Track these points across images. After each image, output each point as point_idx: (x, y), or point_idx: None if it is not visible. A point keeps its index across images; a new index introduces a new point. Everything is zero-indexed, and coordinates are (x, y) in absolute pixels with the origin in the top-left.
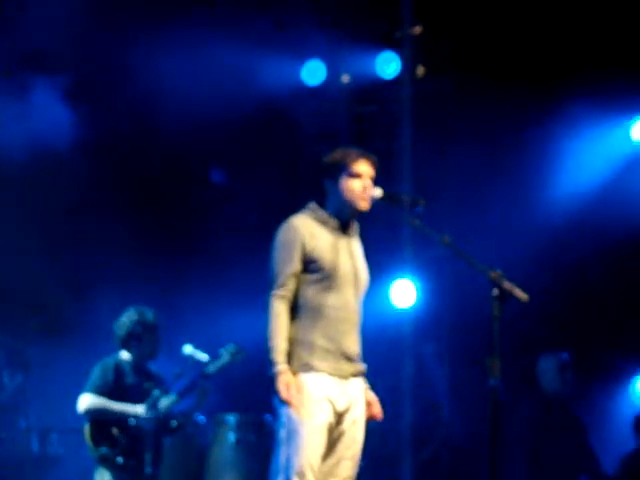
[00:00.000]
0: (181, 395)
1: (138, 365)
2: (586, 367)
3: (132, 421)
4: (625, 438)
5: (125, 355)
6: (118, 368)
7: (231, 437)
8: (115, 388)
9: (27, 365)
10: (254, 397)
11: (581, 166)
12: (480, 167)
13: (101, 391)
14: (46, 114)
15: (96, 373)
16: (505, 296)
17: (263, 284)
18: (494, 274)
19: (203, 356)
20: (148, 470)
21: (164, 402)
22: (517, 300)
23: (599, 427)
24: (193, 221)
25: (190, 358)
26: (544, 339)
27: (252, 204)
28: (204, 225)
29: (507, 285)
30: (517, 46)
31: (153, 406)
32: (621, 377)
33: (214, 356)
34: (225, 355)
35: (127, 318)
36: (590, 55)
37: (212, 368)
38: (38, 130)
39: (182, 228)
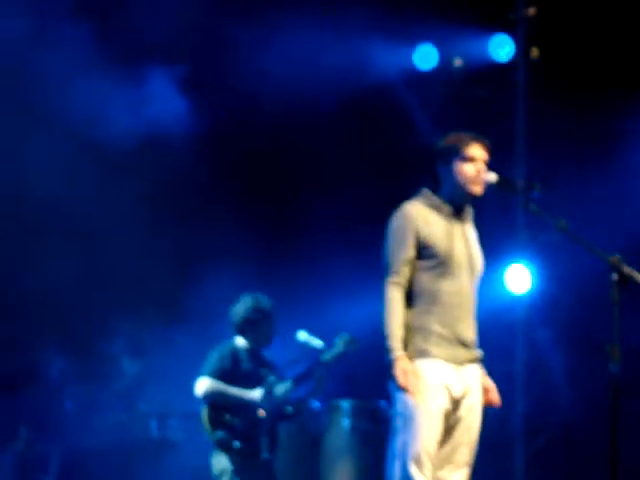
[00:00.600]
0: (296, 382)
1: (253, 351)
2: None
3: (249, 406)
4: None
5: (241, 341)
6: (235, 354)
7: (346, 423)
8: (232, 373)
9: (145, 351)
10: (369, 384)
11: None
12: (593, 152)
13: (219, 375)
14: (161, 103)
15: (214, 357)
16: (625, 281)
17: (377, 271)
18: (613, 259)
19: (318, 342)
20: (265, 455)
21: (280, 388)
22: (637, 285)
23: None
24: (305, 206)
25: (305, 344)
26: None
27: (365, 189)
28: (316, 210)
29: (627, 270)
30: (632, 25)
31: (269, 392)
32: None
33: (329, 345)
34: (339, 344)
35: (243, 305)
36: None
37: (327, 356)
38: (153, 118)
39: (294, 213)
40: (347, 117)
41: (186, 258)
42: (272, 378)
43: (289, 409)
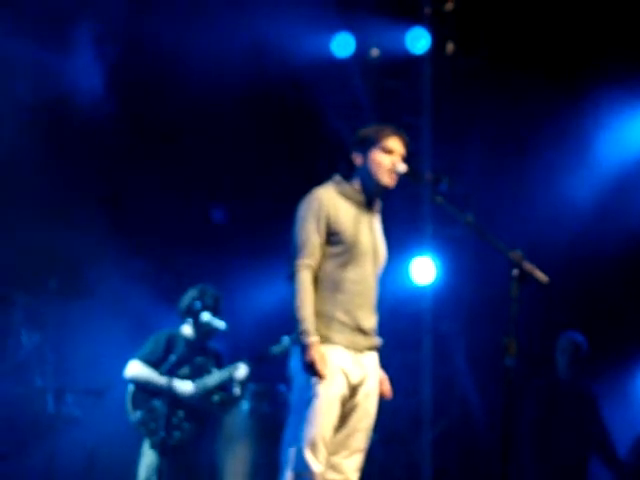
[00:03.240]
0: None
1: (195, 340)
2: (600, 352)
3: (172, 393)
4: (635, 423)
5: (187, 330)
6: (170, 340)
7: (245, 406)
8: (164, 359)
9: (45, 324)
10: (269, 367)
11: (607, 151)
12: (503, 148)
13: (149, 360)
14: (78, 76)
15: (149, 342)
16: (525, 277)
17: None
18: (515, 255)
19: (220, 324)
20: (177, 436)
21: (207, 379)
22: (537, 282)
23: (611, 413)
24: (209, 189)
25: (207, 325)
26: (560, 321)
27: (273, 175)
28: (220, 194)
29: (527, 266)
30: (549, 28)
31: (197, 382)
32: (634, 364)
33: (275, 341)
34: (287, 341)
35: (189, 295)
36: (623, 41)
37: (275, 351)
38: (66, 86)
39: (199, 194)
40: (261, 101)
41: (92, 233)
42: (205, 367)
43: (216, 398)
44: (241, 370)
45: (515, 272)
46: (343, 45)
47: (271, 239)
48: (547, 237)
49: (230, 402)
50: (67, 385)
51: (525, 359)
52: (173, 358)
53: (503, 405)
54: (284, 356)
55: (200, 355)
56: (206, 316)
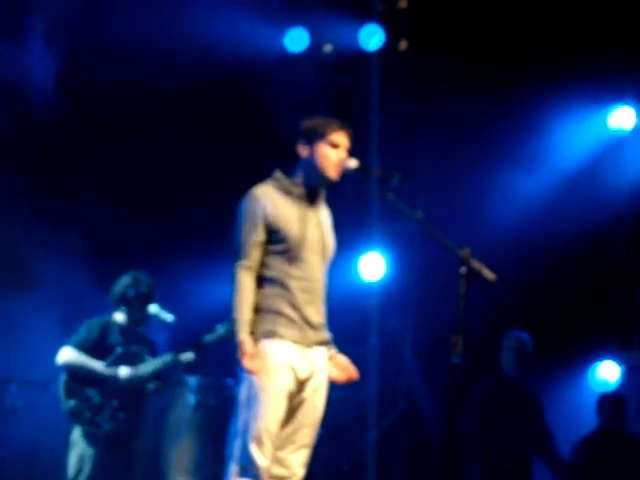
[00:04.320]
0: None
1: (128, 327)
2: (546, 353)
3: (106, 380)
4: (583, 425)
5: (119, 317)
6: (105, 327)
7: (191, 399)
8: (98, 346)
9: None
10: (217, 361)
11: (558, 151)
12: (454, 147)
13: (82, 346)
14: (32, 65)
15: (82, 329)
16: (473, 275)
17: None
18: (463, 252)
19: (168, 316)
20: (111, 426)
21: (142, 367)
22: (484, 279)
23: (556, 414)
24: (161, 177)
25: (155, 317)
26: (507, 321)
27: (222, 169)
28: (169, 181)
29: (475, 264)
30: (503, 26)
31: (132, 368)
32: (579, 365)
33: (210, 330)
34: (221, 330)
35: (121, 282)
36: (571, 42)
37: (208, 339)
38: (19, 74)
39: (150, 182)
40: (216, 93)
41: (37, 226)
42: (140, 354)
43: (150, 386)
44: (188, 354)
45: (462, 269)
46: (296, 40)
47: (215, 231)
48: (496, 235)
49: (164, 390)
50: (11, 376)
51: (471, 356)
52: (119, 350)
53: (449, 402)
54: (218, 345)
55: (135, 343)
56: (154, 308)
